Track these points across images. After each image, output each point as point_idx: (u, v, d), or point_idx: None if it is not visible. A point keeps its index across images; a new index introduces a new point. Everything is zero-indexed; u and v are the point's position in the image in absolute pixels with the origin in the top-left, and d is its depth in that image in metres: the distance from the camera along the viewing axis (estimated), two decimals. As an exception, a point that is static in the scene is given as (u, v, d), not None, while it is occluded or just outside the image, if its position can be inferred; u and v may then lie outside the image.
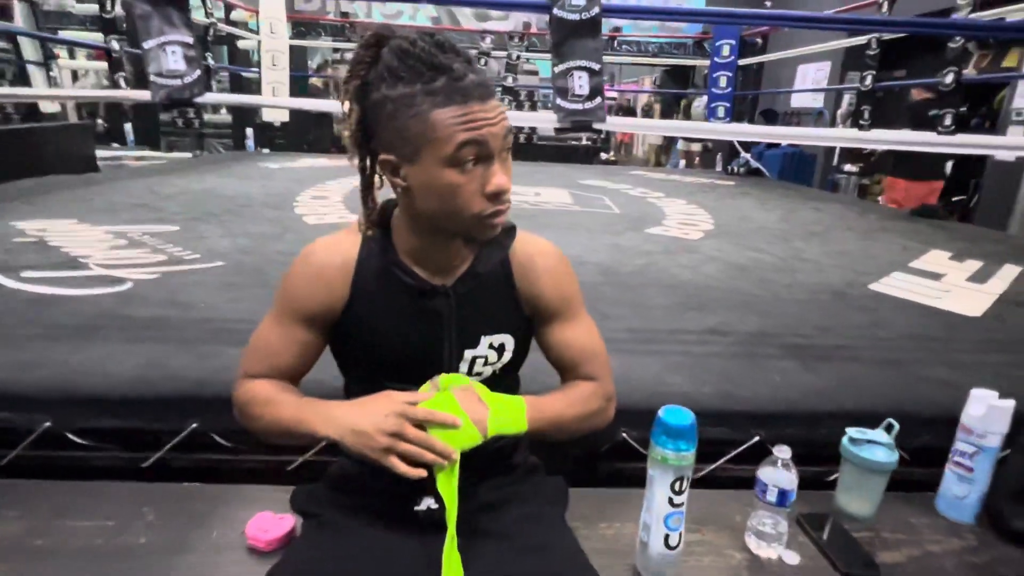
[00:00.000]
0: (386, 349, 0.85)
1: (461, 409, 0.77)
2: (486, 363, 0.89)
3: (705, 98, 5.99)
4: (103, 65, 5.42)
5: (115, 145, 7.53)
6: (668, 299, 2.12)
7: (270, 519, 1.08)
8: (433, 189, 0.75)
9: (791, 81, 8.11)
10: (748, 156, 6.76)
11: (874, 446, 1.16)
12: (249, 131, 7.52)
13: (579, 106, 1.72)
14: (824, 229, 3.68)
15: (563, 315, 0.93)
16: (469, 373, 0.88)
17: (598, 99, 1.73)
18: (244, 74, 7.00)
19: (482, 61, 7.27)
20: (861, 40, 4.28)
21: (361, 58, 0.75)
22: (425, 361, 0.85)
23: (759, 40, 6.76)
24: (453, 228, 0.79)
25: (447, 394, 0.78)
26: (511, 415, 0.81)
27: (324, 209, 3.59)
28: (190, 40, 1.74)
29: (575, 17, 1.67)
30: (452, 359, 0.87)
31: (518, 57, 7.45)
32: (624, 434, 1.36)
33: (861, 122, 4.00)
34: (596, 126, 1.74)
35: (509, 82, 7.57)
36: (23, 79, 6.12)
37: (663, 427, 0.97)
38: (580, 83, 1.70)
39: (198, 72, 1.73)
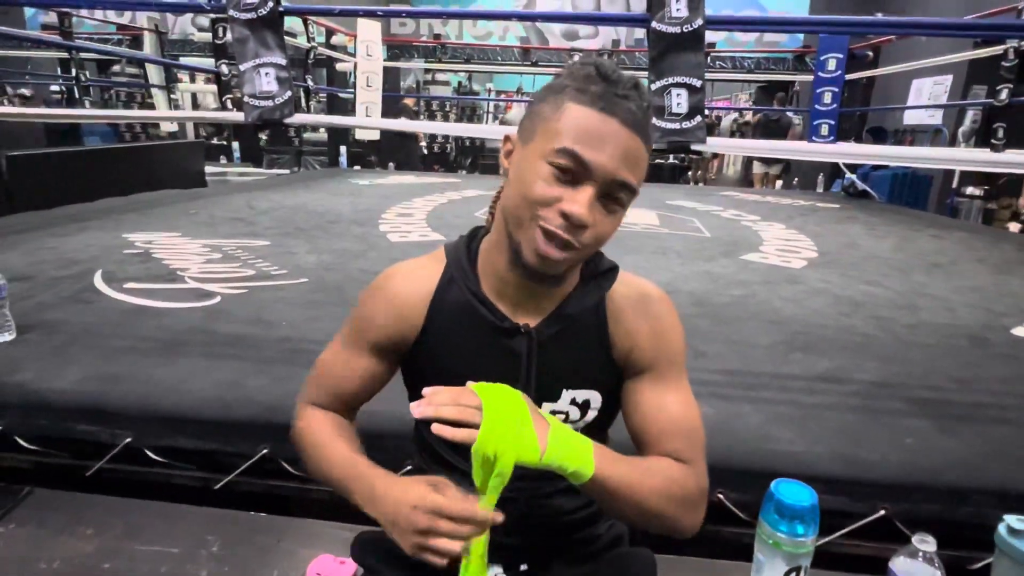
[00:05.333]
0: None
1: (525, 407, 0.63)
2: (566, 420, 0.77)
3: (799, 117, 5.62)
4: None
5: (223, 161, 8.09)
6: (770, 337, 1.91)
7: (331, 563, 1.03)
8: (521, 175, 0.67)
9: (904, 96, 7.49)
10: (854, 177, 6.27)
11: (1046, 542, 0.94)
12: (343, 149, 7.86)
13: (677, 125, 1.59)
14: (949, 260, 3.29)
15: (658, 373, 0.77)
16: None
17: (698, 118, 1.59)
18: (340, 95, 7.32)
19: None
20: (994, 50, 3.84)
21: (559, 79, 0.71)
22: None
23: (870, 53, 6.29)
24: (513, 236, 0.69)
25: (510, 391, 0.64)
26: (577, 448, 0.65)
27: (408, 227, 3.61)
28: (283, 62, 1.76)
29: (675, 30, 1.55)
30: None
31: (606, 75, 7.36)
32: (720, 495, 1.20)
33: (994, 141, 3.57)
34: (695, 147, 1.59)
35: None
36: (144, 102, 6.71)
37: (777, 505, 0.82)
38: (679, 101, 1.56)
39: (289, 93, 1.75)
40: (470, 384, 0.64)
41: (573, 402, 0.77)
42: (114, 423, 1.32)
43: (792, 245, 3.56)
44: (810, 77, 5.97)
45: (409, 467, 1.10)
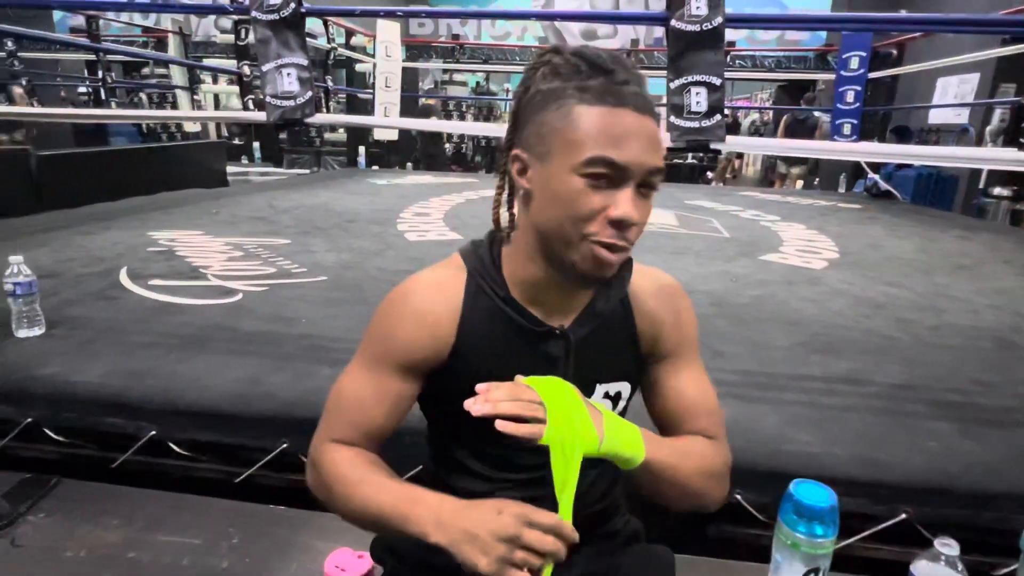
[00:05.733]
0: None
1: (578, 399, 0.63)
2: None
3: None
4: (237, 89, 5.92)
5: (244, 161, 8.20)
6: (789, 338, 1.89)
7: (349, 557, 1.04)
8: (554, 194, 0.66)
9: (929, 95, 7.34)
10: (877, 177, 6.17)
11: (1074, 549, 0.92)
12: (361, 149, 7.92)
13: (695, 124, 1.58)
14: (974, 262, 3.22)
15: (679, 358, 0.80)
16: None
17: (717, 117, 1.58)
18: (359, 95, 7.39)
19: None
20: (1022, 48, 3.75)
21: (534, 64, 0.69)
22: None
23: (894, 51, 6.18)
24: (561, 254, 0.68)
25: (562, 383, 0.64)
26: (629, 435, 0.65)
27: (426, 226, 3.64)
28: (305, 62, 1.79)
29: (695, 28, 1.54)
30: None
31: (625, 74, 7.33)
32: (738, 496, 1.19)
33: (1022, 140, 3.48)
34: (714, 146, 1.58)
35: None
36: (175, 102, 6.84)
37: (796, 505, 0.81)
38: (698, 99, 1.55)
39: (310, 93, 1.77)
40: (520, 378, 0.64)
41: (606, 395, 0.78)
42: (139, 416, 1.35)
43: (813, 246, 3.52)
44: (832, 76, 5.89)
45: (420, 468, 1.10)
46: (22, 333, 1.65)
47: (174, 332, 1.75)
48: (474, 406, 0.58)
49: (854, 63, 5.25)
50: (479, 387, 0.60)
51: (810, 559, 0.80)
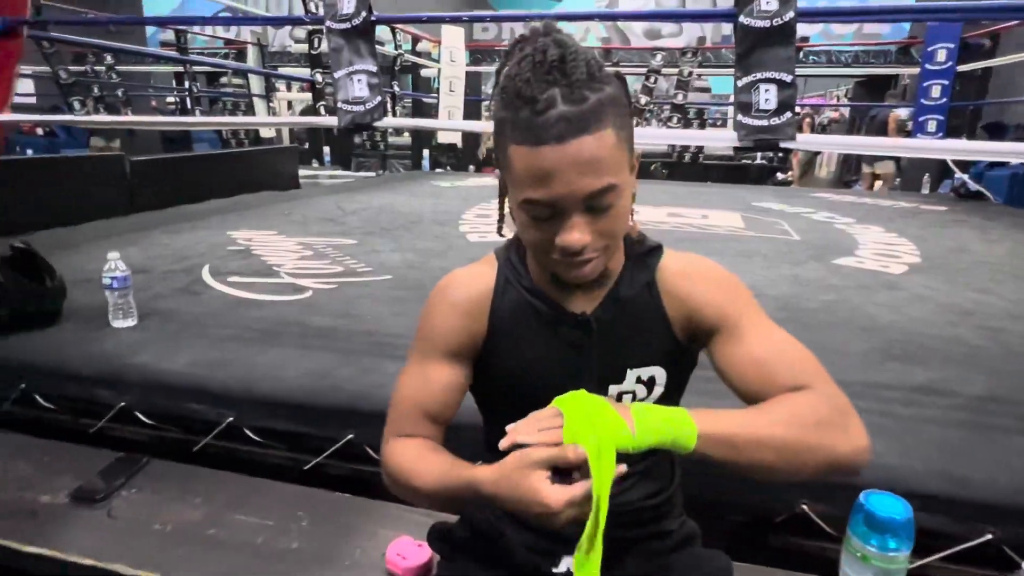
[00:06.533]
0: (526, 386, 0.77)
1: (599, 401, 0.62)
2: (634, 398, 0.78)
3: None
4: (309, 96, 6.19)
5: (315, 164, 8.54)
6: (864, 344, 1.80)
7: (410, 545, 1.08)
8: (518, 220, 0.71)
9: (1028, 88, 6.79)
10: (965, 177, 5.77)
11: None
12: (425, 152, 8.10)
13: (764, 122, 1.53)
14: (1076, 268, 2.96)
15: (732, 325, 0.74)
16: None
17: (787, 114, 1.52)
18: (424, 100, 7.56)
19: (651, 79, 7.12)
20: None
21: (500, 65, 0.68)
22: None
23: (987, 41, 5.76)
24: (543, 265, 0.73)
25: (583, 394, 0.64)
26: (669, 417, 0.62)
27: (487, 227, 3.68)
28: (374, 68, 1.85)
29: (764, 24, 1.49)
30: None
31: (690, 73, 7.17)
32: (804, 506, 1.15)
33: None
34: (783, 144, 1.53)
35: (679, 99, 7.32)
36: (252, 110, 7.22)
37: (867, 517, 0.78)
38: (767, 97, 1.51)
39: (379, 98, 1.84)
40: (554, 402, 0.64)
41: (639, 380, 0.78)
42: (219, 403, 1.44)
43: (892, 249, 3.33)
44: (916, 70, 5.55)
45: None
46: (117, 324, 1.80)
47: (250, 326, 1.85)
48: (501, 444, 0.62)
49: (941, 56, 4.94)
50: (508, 428, 0.63)
51: (882, 573, 0.77)
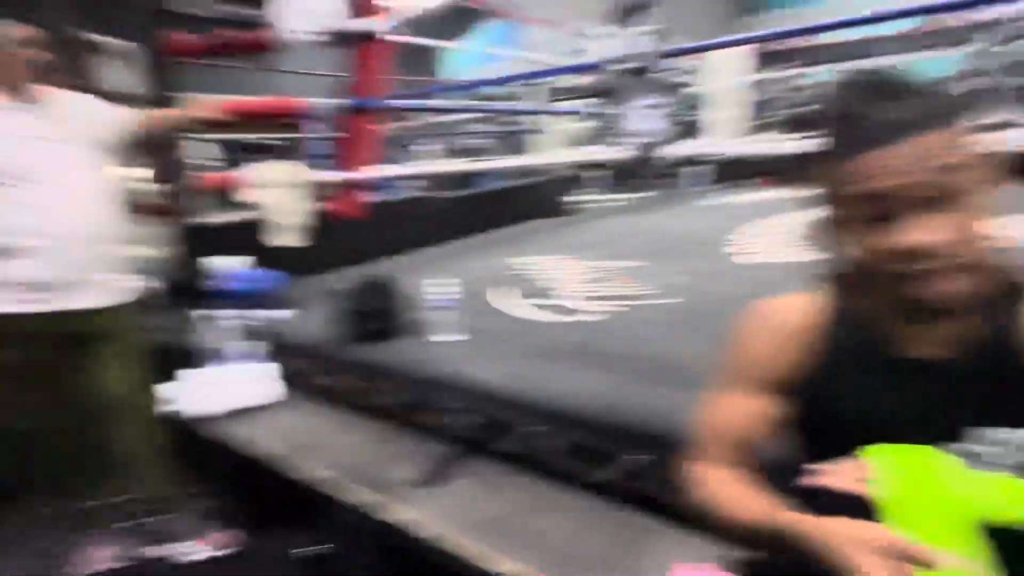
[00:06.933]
0: (857, 435, 0.71)
1: (939, 459, 0.57)
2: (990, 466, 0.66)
3: None
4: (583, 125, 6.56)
5: (592, 191, 8.98)
6: None
7: (690, 571, 1.07)
8: (841, 233, 0.66)
9: None
10: None
11: None
12: (698, 169, 7.87)
13: None
14: None
15: None
16: None
17: None
18: (700, 118, 7.36)
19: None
20: None
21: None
22: None
23: None
24: (898, 295, 0.64)
25: (919, 449, 0.58)
26: None
27: (773, 247, 3.43)
28: (659, 101, 1.92)
29: None
30: None
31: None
32: None
33: None
34: None
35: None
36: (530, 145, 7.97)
37: None
38: None
39: (664, 128, 1.89)
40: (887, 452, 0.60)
41: (1000, 442, 0.65)
42: (529, 413, 1.62)
43: None
44: None
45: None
46: (445, 338, 2.16)
47: (545, 345, 2.05)
48: (803, 480, 0.60)
49: None
50: (821, 467, 0.60)
51: None
